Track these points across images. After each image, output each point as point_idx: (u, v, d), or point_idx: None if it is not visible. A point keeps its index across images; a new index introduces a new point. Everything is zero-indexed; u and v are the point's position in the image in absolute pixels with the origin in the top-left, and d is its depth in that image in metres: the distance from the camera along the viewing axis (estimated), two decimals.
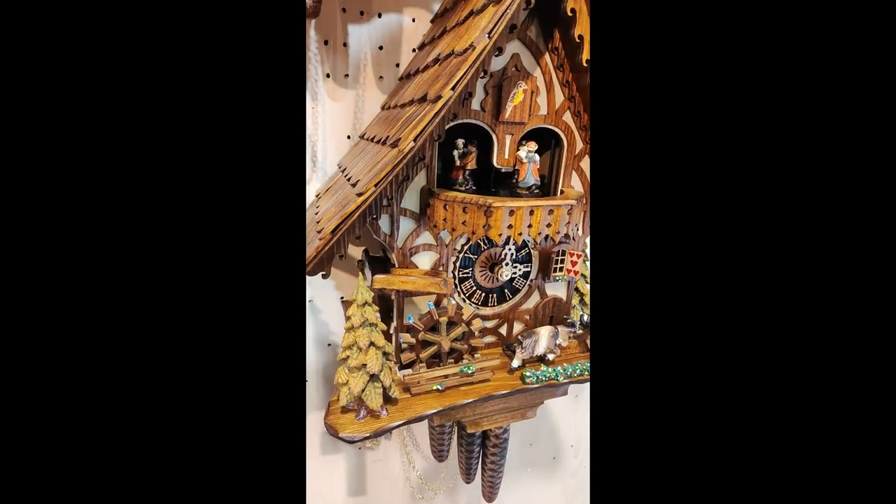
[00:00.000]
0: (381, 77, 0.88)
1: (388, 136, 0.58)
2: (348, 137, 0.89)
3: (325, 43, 0.83)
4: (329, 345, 1.03)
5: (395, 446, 1.18)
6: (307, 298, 0.98)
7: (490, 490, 1.01)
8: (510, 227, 0.63)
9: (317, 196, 0.86)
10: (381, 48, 0.87)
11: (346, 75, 0.86)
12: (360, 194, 0.50)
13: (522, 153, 0.65)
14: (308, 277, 0.98)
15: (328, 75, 0.85)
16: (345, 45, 0.84)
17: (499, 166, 0.67)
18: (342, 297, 1.00)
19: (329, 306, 1.00)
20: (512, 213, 0.62)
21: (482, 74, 0.56)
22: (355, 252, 0.91)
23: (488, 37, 0.48)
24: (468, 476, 1.00)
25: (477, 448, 0.96)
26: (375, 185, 0.50)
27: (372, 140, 0.74)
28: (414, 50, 0.88)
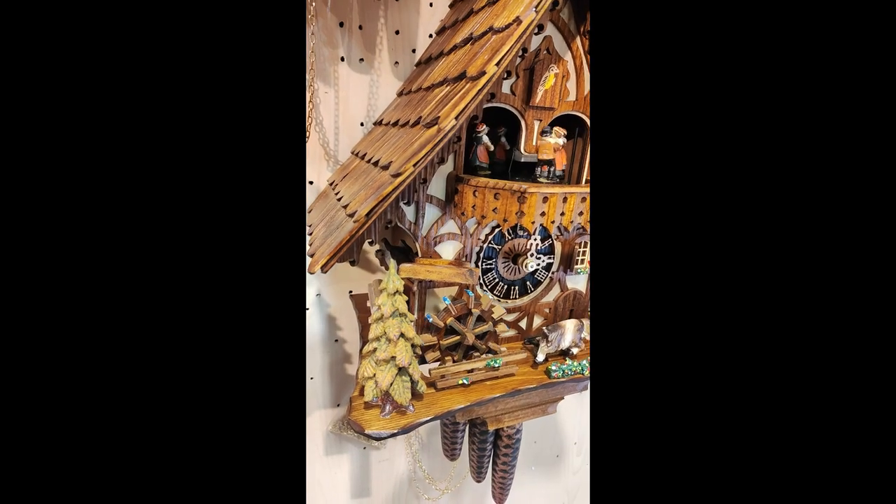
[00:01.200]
0: (396, 63, 0.85)
1: (419, 118, 0.56)
2: (361, 125, 0.86)
3: (341, 25, 0.80)
4: (336, 341, 1.00)
5: (401, 446, 1.15)
6: (315, 292, 0.94)
7: (501, 491, 0.99)
8: (543, 214, 0.60)
9: (330, 184, 0.82)
10: (397, 32, 0.84)
11: (361, 60, 0.83)
12: (396, 175, 0.47)
13: (559, 140, 0.63)
14: (315, 272, 0.95)
15: (343, 59, 0.81)
16: (360, 28, 0.81)
17: (526, 153, 0.65)
18: (351, 292, 0.97)
19: (337, 301, 0.97)
20: (546, 199, 0.60)
21: (521, 53, 0.54)
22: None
23: (535, 10, 0.46)
24: (479, 475, 0.97)
25: (489, 446, 0.94)
26: (414, 166, 0.47)
27: (393, 125, 0.71)
28: (431, 35, 0.86)
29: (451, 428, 0.93)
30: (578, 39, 0.64)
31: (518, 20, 0.47)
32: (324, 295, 0.95)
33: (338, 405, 1.05)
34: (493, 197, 0.60)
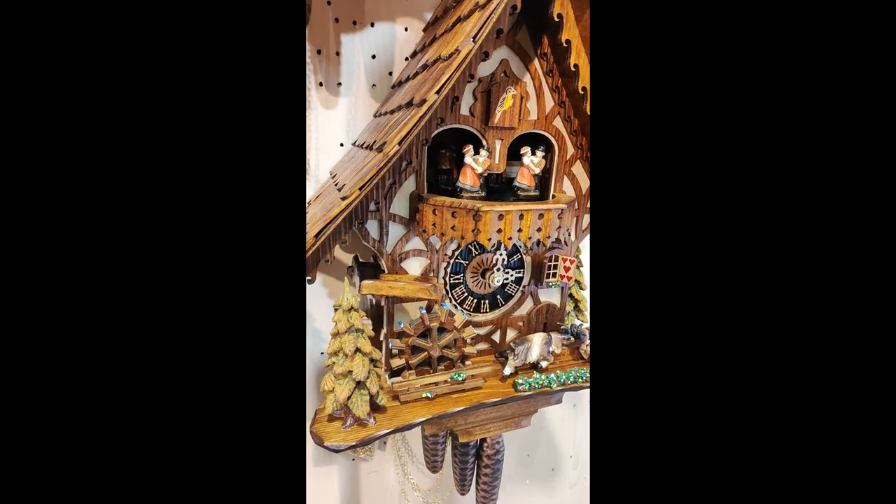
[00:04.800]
0: (373, 85, 0.89)
1: (374, 142, 0.58)
2: (341, 145, 0.90)
3: (318, 52, 0.84)
4: (322, 353, 1.02)
5: (390, 457, 1.16)
6: None
7: None
8: (500, 231, 0.62)
9: (308, 203, 0.86)
10: (373, 57, 0.88)
11: (339, 84, 0.87)
12: (344, 198, 0.50)
13: (527, 160, 0.66)
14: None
15: (321, 84, 0.85)
16: (337, 54, 0.85)
17: (491, 171, 0.67)
18: (335, 306, 1.00)
19: (323, 315, 0.99)
20: (501, 217, 0.61)
21: (469, 79, 0.56)
22: (347, 258, 0.91)
23: (473, 41, 0.49)
24: (463, 487, 0.98)
25: (472, 458, 0.95)
26: (360, 189, 0.49)
27: (362, 146, 0.74)
28: (406, 59, 0.89)
29: (430, 440, 0.95)
30: (536, 61, 0.66)
31: (457, 50, 0.49)
32: (309, 310, 0.99)
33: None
34: (451, 215, 0.62)
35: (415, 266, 0.70)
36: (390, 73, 0.90)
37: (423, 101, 0.49)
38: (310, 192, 0.90)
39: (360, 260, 0.76)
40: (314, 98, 0.85)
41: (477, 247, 0.73)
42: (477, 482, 0.96)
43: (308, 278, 0.53)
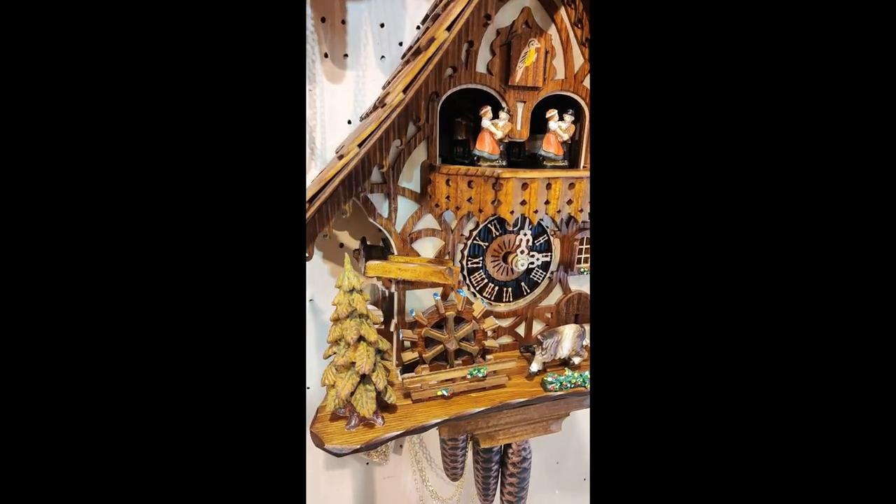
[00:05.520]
0: (382, 57, 0.82)
1: (378, 100, 0.51)
2: (349, 122, 0.83)
3: (322, 20, 0.77)
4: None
5: (406, 461, 1.09)
6: (307, 297, 0.91)
7: None
8: (523, 203, 0.54)
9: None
10: (382, 26, 0.80)
11: (346, 55, 0.80)
12: (341, 157, 0.43)
13: (553, 125, 0.57)
14: (309, 275, 0.91)
15: (326, 55, 0.79)
16: (343, 22, 0.78)
17: (513, 139, 0.59)
18: (336, 286, 0.93)
19: (330, 307, 0.93)
20: (525, 186, 0.53)
21: (486, 21, 0.48)
22: (355, 244, 0.84)
23: None
24: (486, 498, 0.89)
25: (495, 466, 0.86)
26: (359, 146, 0.42)
27: (368, 115, 0.67)
28: (418, 27, 0.82)
29: (450, 445, 0.86)
30: (563, 10, 0.58)
31: None
32: (317, 300, 0.92)
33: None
34: (467, 185, 0.54)
35: (428, 248, 0.62)
36: (400, 44, 0.82)
37: (431, 41, 0.41)
38: (314, 173, 0.83)
39: (369, 243, 0.69)
40: (318, 71, 0.79)
41: (498, 226, 0.65)
42: (501, 492, 0.88)
43: (306, 254, 0.46)
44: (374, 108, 0.50)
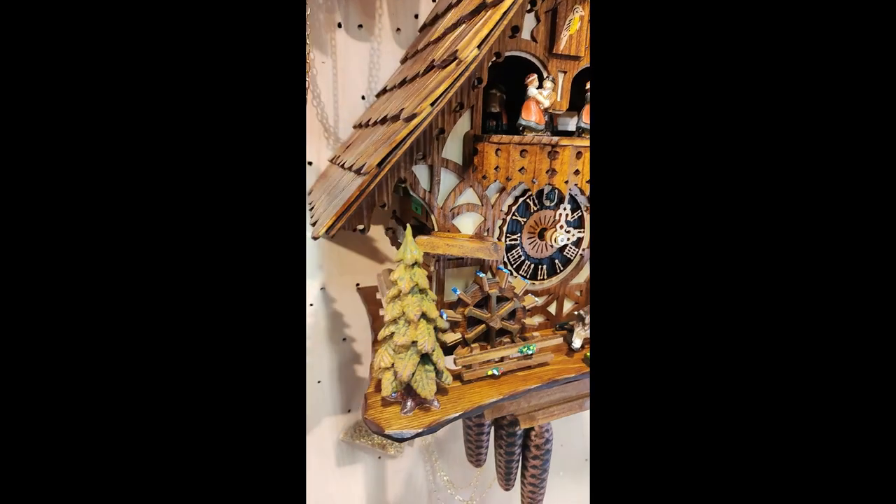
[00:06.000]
0: (398, 29, 0.78)
1: (431, 62, 0.48)
2: (363, 98, 0.79)
3: None
4: (344, 339, 0.91)
5: (418, 454, 1.06)
6: (319, 286, 0.86)
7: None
8: (577, 172, 0.52)
9: (331, 161, 0.75)
10: None
11: (360, 26, 0.76)
12: (410, 118, 0.39)
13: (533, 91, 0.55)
14: (320, 264, 0.86)
15: (340, 25, 0.74)
16: None
17: (555, 110, 0.57)
18: (358, 285, 0.89)
19: (343, 295, 0.88)
20: (580, 155, 0.52)
21: None
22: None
23: None
24: (508, 482, 0.88)
25: (518, 449, 0.85)
26: (431, 105, 0.39)
27: (399, 86, 0.63)
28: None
29: (475, 431, 0.85)
30: None
31: None
32: (328, 289, 0.87)
33: (349, 411, 0.96)
34: (520, 154, 0.52)
35: (466, 224, 0.60)
36: (416, 16, 0.79)
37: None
38: (328, 153, 0.78)
39: (401, 221, 0.66)
40: (332, 42, 0.74)
41: (535, 201, 0.63)
42: (523, 475, 0.87)
43: (360, 227, 0.43)
44: (431, 68, 0.47)
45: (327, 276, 0.86)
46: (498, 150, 0.53)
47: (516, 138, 0.52)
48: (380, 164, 0.39)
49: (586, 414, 1.28)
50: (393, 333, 0.46)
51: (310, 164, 0.78)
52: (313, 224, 0.44)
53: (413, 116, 0.39)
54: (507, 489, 0.90)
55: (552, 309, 0.71)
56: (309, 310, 0.86)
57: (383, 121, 0.52)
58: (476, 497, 1.03)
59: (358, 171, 0.41)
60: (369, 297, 0.80)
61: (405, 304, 0.45)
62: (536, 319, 0.69)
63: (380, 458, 1.02)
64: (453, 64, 0.40)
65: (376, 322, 0.72)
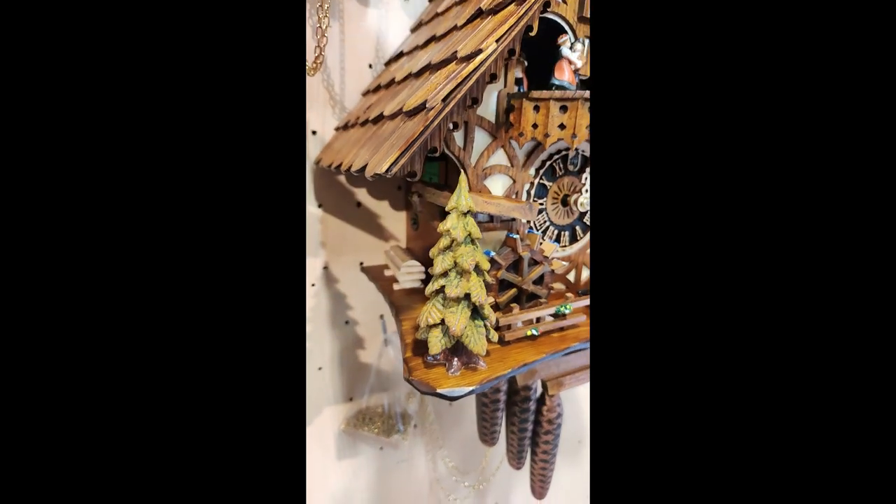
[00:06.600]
0: None
1: (477, 10, 0.46)
2: (370, 66, 0.76)
3: None
4: (347, 322, 0.87)
5: (420, 444, 1.03)
6: (322, 265, 0.82)
7: (542, 483, 0.89)
8: None
9: (338, 129, 0.72)
10: None
11: None
12: (471, 56, 0.38)
13: (567, 51, 0.55)
14: (323, 240, 0.82)
15: None
16: None
17: (583, 76, 0.57)
18: (362, 263, 0.85)
19: (347, 276, 0.84)
20: None
21: None
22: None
23: None
24: (519, 460, 0.87)
25: (531, 425, 0.84)
26: (497, 41, 0.38)
27: (422, 46, 0.61)
28: None
29: (491, 407, 0.83)
30: None
31: None
32: (331, 269, 0.83)
33: (350, 399, 0.92)
34: (559, 110, 0.51)
35: (496, 187, 0.59)
36: None
37: None
38: (334, 122, 0.75)
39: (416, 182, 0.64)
40: (339, 8, 0.71)
41: (561, 165, 0.63)
42: (534, 451, 0.86)
43: (412, 172, 0.41)
44: (479, 14, 0.46)
45: (330, 255, 0.82)
46: (537, 105, 0.52)
47: (557, 93, 0.51)
48: (444, 99, 0.37)
49: (581, 397, 1.30)
50: (444, 287, 0.44)
51: (314, 133, 0.74)
52: (352, 171, 0.41)
53: (477, 52, 0.38)
54: (517, 468, 0.89)
55: (570, 277, 0.71)
56: (310, 290, 0.82)
57: (419, 73, 0.50)
58: (482, 481, 1.01)
59: (412, 113, 0.39)
60: (377, 275, 0.77)
61: (458, 254, 0.43)
62: (556, 287, 0.69)
63: (381, 448, 0.98)
64: (513, 5, 0.39)
65: (392, 296, 0.69)
